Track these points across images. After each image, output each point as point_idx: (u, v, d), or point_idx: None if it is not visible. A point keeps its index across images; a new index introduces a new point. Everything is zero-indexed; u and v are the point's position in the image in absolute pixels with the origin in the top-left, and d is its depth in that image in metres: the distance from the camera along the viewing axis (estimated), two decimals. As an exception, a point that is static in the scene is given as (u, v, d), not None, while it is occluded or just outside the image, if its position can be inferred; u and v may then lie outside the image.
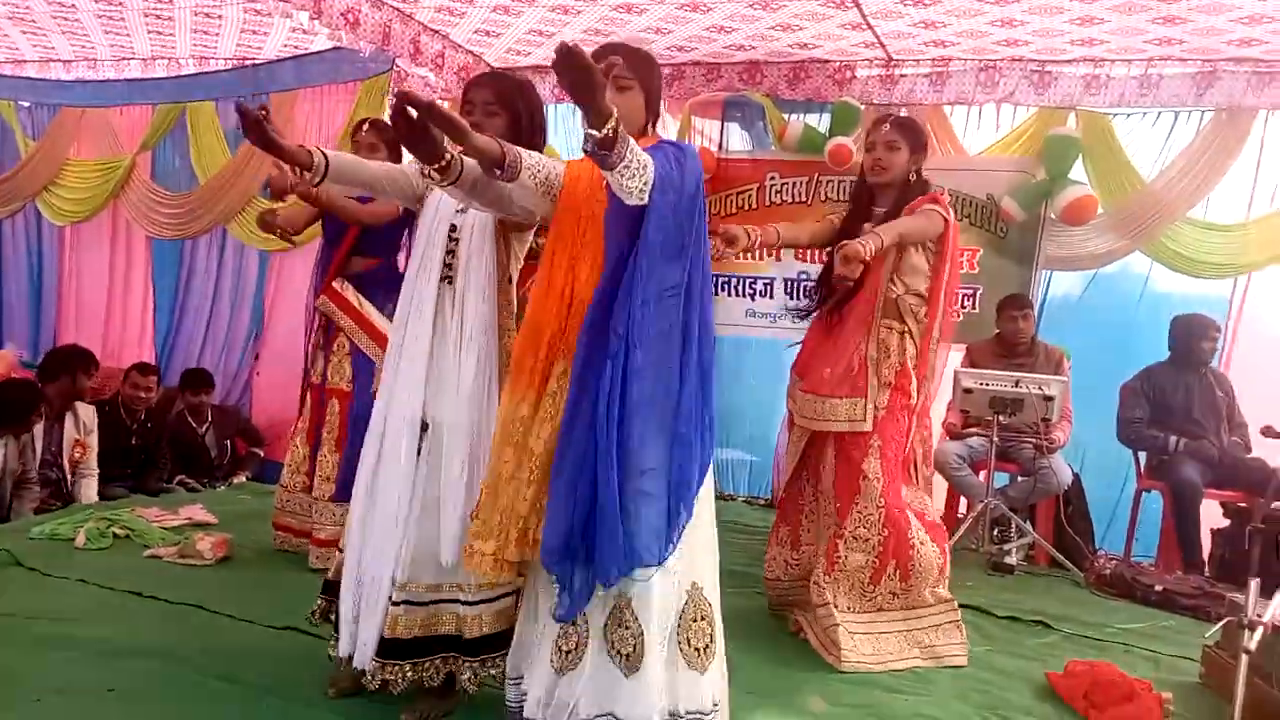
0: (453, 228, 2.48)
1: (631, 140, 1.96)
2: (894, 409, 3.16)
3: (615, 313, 2.09)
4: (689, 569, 2.20)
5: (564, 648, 2.16)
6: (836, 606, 3.04)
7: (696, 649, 2.19)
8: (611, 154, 1.90)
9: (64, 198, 7.18)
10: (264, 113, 2.31)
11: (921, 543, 3.09)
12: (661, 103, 2.39)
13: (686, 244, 2.14)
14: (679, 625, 2.18)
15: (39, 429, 4.69)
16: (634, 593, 2.11)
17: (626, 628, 2.11)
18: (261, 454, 6.01)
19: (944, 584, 3.14)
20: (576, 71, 1.81)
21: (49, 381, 4.88)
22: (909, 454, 3.22)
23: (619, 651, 2.12)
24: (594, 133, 1.87)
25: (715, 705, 2.22)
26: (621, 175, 1.95)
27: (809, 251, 5.63)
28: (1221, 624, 2.90)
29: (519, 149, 2.11)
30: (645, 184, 2.00)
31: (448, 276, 2.46)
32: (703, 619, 2.21)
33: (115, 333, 7.14)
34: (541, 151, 2.52)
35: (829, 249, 3.36)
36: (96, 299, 7.25)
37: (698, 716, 2.17)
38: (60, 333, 7.27)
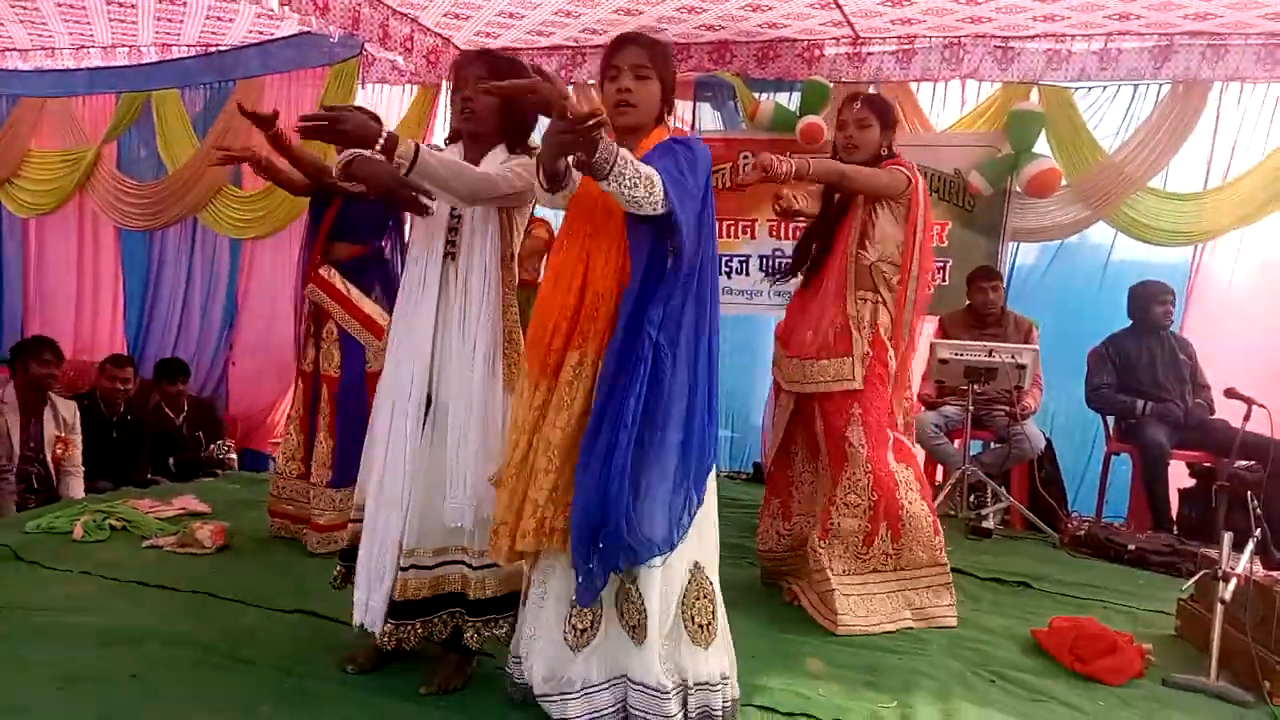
0: (454, 211, 2.52)
1: (623, 152, 2.01)
2: (870, 378, 3.24)
3: (649, 312, 2.14)
4: (692, 550, 2.29)
5: (579, 625, 2.25)
6: (832, 570, 3.14)
7: (700, 625, 2.29)
8: (596, 164, 1.97)
9: (28, 190, 7.05)
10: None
11: (910, 502, 3.19)
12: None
13: (702, 240, 2.22)
14: (683, 602, 2.27)
15: (13, 422, 4.65)
16: (639, 571, 2.20)
17: (632, 602, 2.21)
18: (230, 445, 5.97)
19: (941, 547, 3.24)
20: (531, 97, 1.96)
21: (11, 376, 4.85)
22: (892, 413, 3.28)
23: (628, 623, 2.23)
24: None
25: (724, 678, 2.33)
26: (620, 185, 2.00)
27: (784, 227, 5.74)
28: (1196, 578, 3.04)
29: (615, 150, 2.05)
30: (651, 195, 2.05)
31: (451, 254, 2.51)
32: (704, 596, 2.31)
33: (86, 326, 7.06)
34: (532, 131, 2.59)
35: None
36: (65, 292, 7.15)
37: (706, 687, 2.28)
38: (26, 327, 7.15)
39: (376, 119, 2.80)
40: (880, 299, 3.29)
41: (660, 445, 2.17)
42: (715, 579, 2.36)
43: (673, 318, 2.17)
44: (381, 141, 2.25)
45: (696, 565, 2.32)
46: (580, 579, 2.16)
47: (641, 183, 2.03)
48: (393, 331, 2.60)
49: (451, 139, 2.66)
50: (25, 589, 3.14)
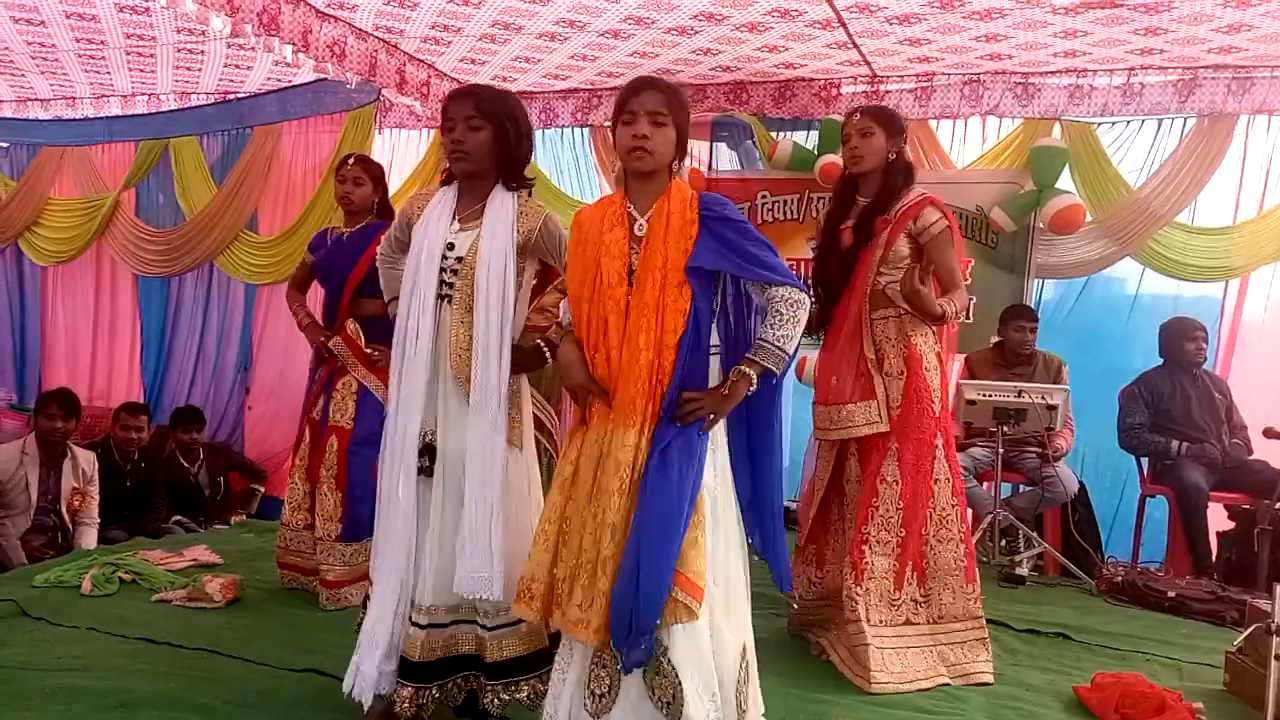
0: (450, 245, 2.44)
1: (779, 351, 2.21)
2: (910, 394, 3.11)
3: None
4: (738, 631, 2.22)
5: (597, 691, 2.16)
6: (868, 621, 3.02)
7: (744, 710, 2.21)
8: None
9: (47, 238, 7.10)
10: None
11: (939, 540, 3.08)
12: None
13: None
14: (736, 690, 2.18)
15: (32, 474, 4.61)
16: (669, 640, 2.11)
17: (664, 675, 2.11)
18: (261, 489, 5.93)
19: (976, 597, 3.12)
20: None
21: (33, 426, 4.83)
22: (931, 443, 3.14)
23: (660, 699, 2.12)
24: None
25: None
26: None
27: (805, 266, 5.66)
28: (1247, 632, 2.90)
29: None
30: (800, 317, 2.25)
31: (445, 295, 2.42)
32: (747, 681, 2.23)
33: (103, 372, 7.05)
34: (526, 165, 2.53)
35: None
36: (82, 339, 7.15)
37: None
38: (46, 375, 7.17)
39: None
40: (902, 311, 3.16)
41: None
42: (753, 653, 2.29)
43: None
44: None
45: (744, 648, 2.25)
46: (621, 643, 2.08)
47: (798, 325, 2.24)
48: (390, 380, 2.52)
49: (446, 181, 2.57)
50: (30, 647, 3.06)
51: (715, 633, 2.16)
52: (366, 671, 2.36)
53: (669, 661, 2.10)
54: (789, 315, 2.21)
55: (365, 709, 2.44)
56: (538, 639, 2.44)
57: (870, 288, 3.19)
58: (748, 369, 2.20)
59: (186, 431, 5.68)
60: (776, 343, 2.20)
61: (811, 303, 3.46)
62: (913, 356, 3.13)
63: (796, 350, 2.23)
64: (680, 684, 2.09)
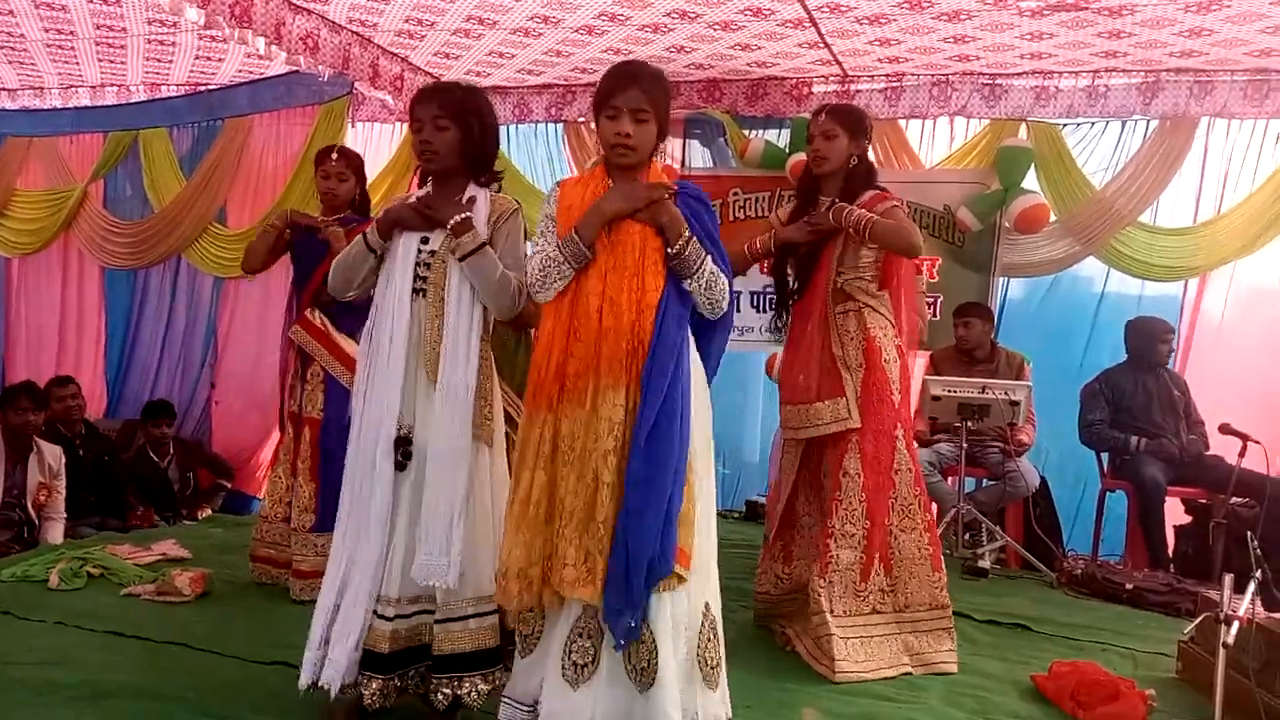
0: (424, 239, 2.47)
1: (703, 254, 2.26)
2: (869, 387, 3.16)
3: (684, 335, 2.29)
4: (701, 589, 2.26)
5: (579, 661, 2.20)
6: (832, 612, 3.06)
7: (712, 666, 2.26)
8: (685, 261, 2.24)
9: (13, 229, 7.01)
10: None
11: (902, 530, 3.14)
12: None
13: None
14: (698, 645, 2.23)
15: (-1, 468, 4.58)
16: (653, 607, 2.16)
17: (642, 642, 2.15)
18: (229, 485, 5.91)
19: (942, 585, 3.17)
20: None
21: None
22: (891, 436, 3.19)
23: (634, 665, 2.16)
24: (668, 249, 2.25)
25: (729, 718, 2.30)
26: (700, 284, 2.26)
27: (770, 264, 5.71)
28: (1197, 621, 2.98)
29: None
30: (724, 294, 2.29)
31: (420, 289, 2.45)
32: (715, 637, 2.28)
33: (69, 365, 6.95)
34: (494, 159, 2.58)
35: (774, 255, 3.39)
36: (48, 332, 7.07)
37: None
38: (9, 367, 7.09)
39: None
40: (861, 304, 3.22)
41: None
42: (719, 616, 2.33)
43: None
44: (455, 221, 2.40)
45: (707, 605, 2.29)
46: (619, 619, 2.11)
47: (717, 284, 2.27)
48: (358, 372, 2.53)
49: (420, 180, 2.62)
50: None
51: (688, 592, 2.21)
52: (338, 660, 2.37)
53: (648, 628, 2.15)
54: (718, 275, 2.30)
55: (331, 698, 2.45)
56: (487, 637, 2.45)
57: (830, 284, 3.24)
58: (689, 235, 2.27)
59: (157, 426, 5.65)
60: (701, 255, 2.27)
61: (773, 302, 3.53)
62: (871, 349, 3.18)
63: (700, 267, 2.26)
64: (656, 650, 2.13)
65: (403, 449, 2.42)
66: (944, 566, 3.22)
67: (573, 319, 2.26)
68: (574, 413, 2.22)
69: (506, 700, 2.34)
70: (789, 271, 3.39)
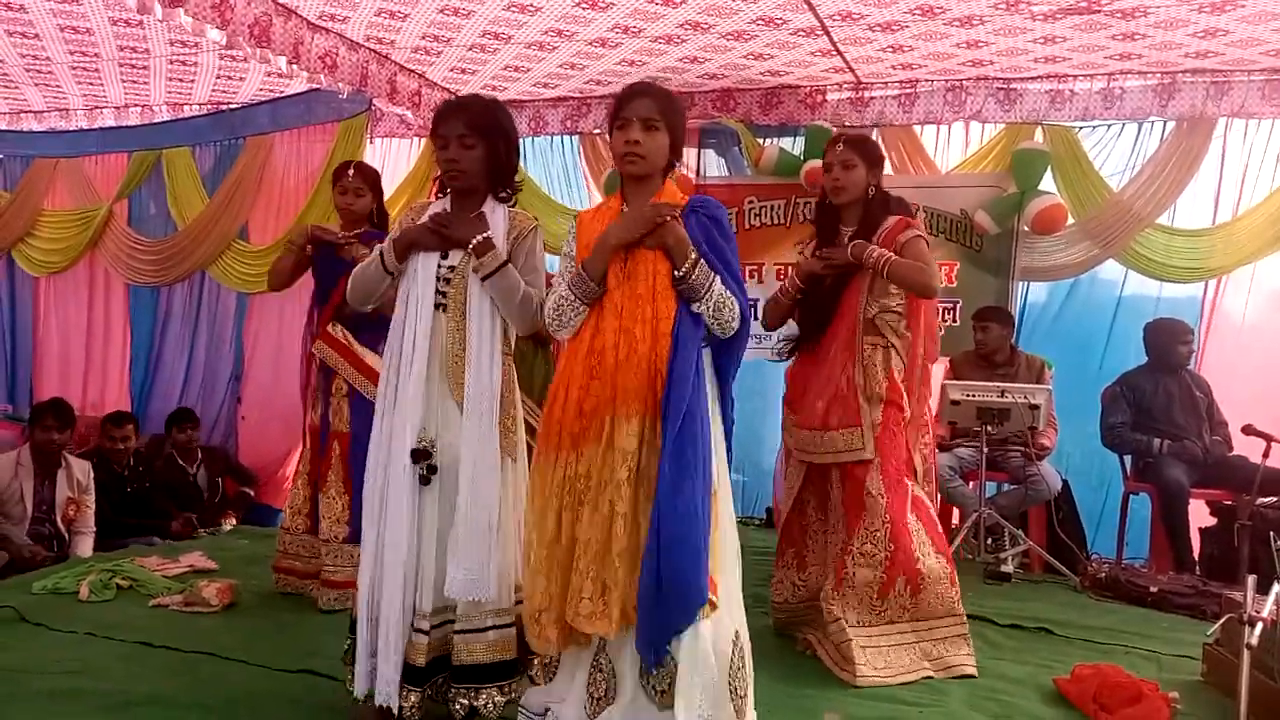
0: (443, 255, 2.50)
1: (712, 276, 2.25)
2: (888, 424, 3.20)
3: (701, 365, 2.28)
4: (729, 615, 2.27)
5: (594, 694, 2.23)
6: (846, 622, 3.08)
7: (740, 696, 2.26)
8: (692, 285, 2.23)
9: (40, 248, 7.15)
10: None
11: (926, 555, 3.14)
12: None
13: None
14: (730, 674, 2.23)
15: (27, 485, 4.66)
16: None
17: (663, 665, 2.17)
18: (252, 494, 5.97)
19: (957, 598, 3.18)
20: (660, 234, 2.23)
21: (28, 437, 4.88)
22: (910, 460, 3.24)
23: (655, 689, 2.18)
24: (675, 272, 2.24)
25: None
26: (706, 306, 2.24)
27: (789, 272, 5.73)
28: (1221, 622, 2.96)
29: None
30: (735, 316, 2.27)
31: (440, 304, 2.48)
32: (744, 665, 2.28)
33: (95, 382, 7.09)
34: (515, 172, 2.60)
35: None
36: (75, 349, 7.19)
37: None
38: (38, 384, 7.20)
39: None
40: (888, 343, 3.26)
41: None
42: (748, 644, 2.34)
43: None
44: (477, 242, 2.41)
45: (736, 634, 2.30)
46: (652, 647, 2.13)
47: (726, 307, 2.25)
48: (380, 387, 2.55)
49: (440, 192, 2.64)
50: (29, 652, 3.10)
51: (716, 619, 2.21)
52: (388, 675, 2.39)
53: (670, 653, 2.16)
54: (727, 298, 2.28)
55: (362, 707, 2.49)
56: (506, 648, 2.47)
57: (860, 315, 3.26)
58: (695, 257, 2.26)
59: (182, 430, 5.71)
60: (710, 278, 2.26)
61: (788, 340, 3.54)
62: (894, 388, 3.23)
63: (709, 290, 2.25)
64: (676, 674, 2.14)
65: (426, 464, 2.44)
66: (958, 581, 3.23)
67: (589, 355, 2.27)
68: (592, 449, 2.23)
69: (522, 710, 2.37)
70: (813, 300, 3.39)
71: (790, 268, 3.40)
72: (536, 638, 2.27)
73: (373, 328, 3.82)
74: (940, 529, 3.30)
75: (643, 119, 2.27)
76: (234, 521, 5.60)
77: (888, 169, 3.94)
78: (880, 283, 3.24)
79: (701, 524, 2.13)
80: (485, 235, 2.43)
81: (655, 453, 2.19)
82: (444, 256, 2.50)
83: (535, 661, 2.47)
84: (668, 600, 2.09)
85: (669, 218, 2.24)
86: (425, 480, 2.44)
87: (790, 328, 3.54)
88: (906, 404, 3.25)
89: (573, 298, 2.29)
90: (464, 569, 2.37)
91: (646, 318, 2.23)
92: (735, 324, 2.29)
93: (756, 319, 5.83)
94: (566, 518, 2.23)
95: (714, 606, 2.15)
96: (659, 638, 2.11)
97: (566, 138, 6.44)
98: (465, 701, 2.43)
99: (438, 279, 2.48)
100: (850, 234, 3.28)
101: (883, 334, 3.26)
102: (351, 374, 3.72)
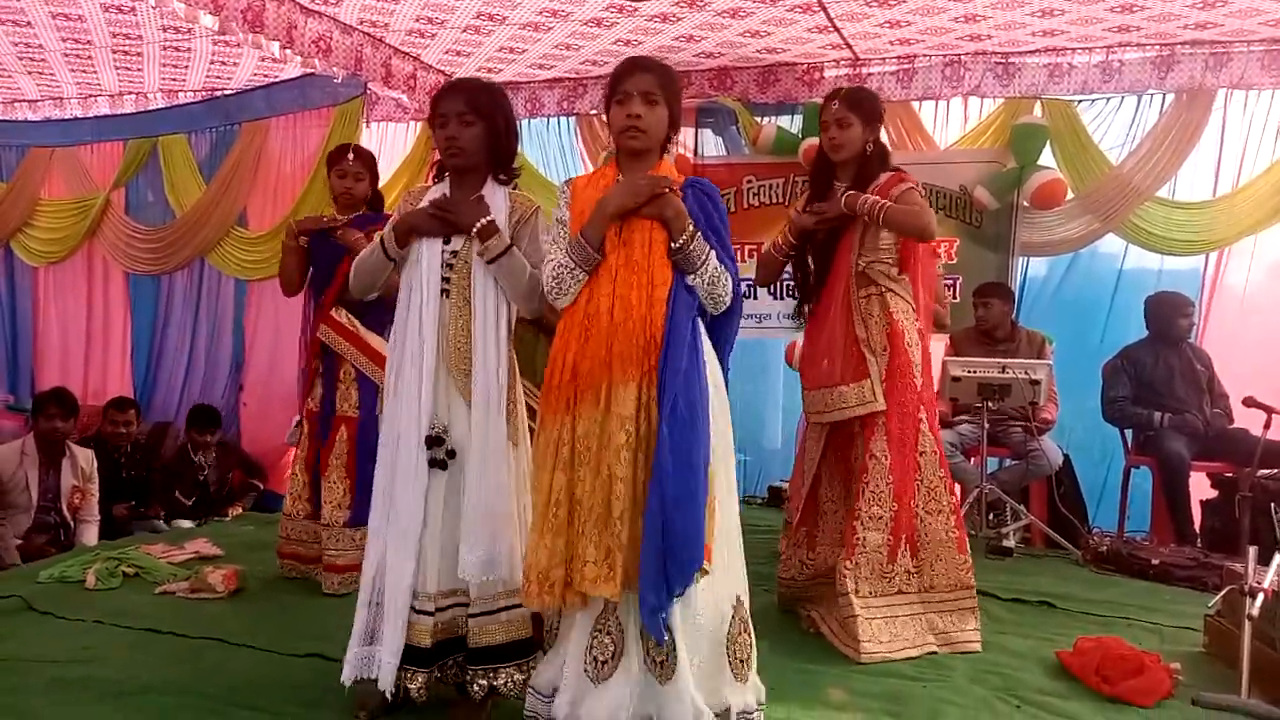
0: (445, 240, 2.49)
1: (708, 249, 2.26)
2: (893, 370, 3.18)
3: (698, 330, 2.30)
4: (732, 584, 2.28)
5: (600, 657, 2.22)
6: (857, 593, 3.08)
7: (741, 660, 2.28)
8: (688, 257, 2.24)
9: (39, 239, 7.13)
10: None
11: (929, 513, 3.15)
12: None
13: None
14: (728, 640, 2.25)
15: (32, 474, 4.67)
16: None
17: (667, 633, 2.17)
18: (261, 485, 5.98)
19: (968, 567, 3.18)
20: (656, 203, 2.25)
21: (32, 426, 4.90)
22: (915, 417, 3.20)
23: (653, 659, 2.19)
24: (672, 243, 2.25)
25: (760, 704, 2.33)
26: (701, 278, 2.25)
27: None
28: (1223, 593, 2.98)
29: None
30: (726, 293, 2.29)
31: (444, 290, 2.47)
32: (745, 631, 2.29)
33: (96, 371, 7.09)
34: (515, 157, 2.59)
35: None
36: (75, 338, 7.19)
37: (745, 717, 2.28)
38: (39, 374, 7.21)
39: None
40: (884, 288, 3.23)
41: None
42: (748, 610, 2.35)
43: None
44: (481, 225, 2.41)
45: (738, 599, 2.31)
46: (654, 612, 2.12)
47: (720, 281, 2.26)
48: (388, 371, 2.55)
49: (437, 176, 2.63)
50: (37, 640, 3.12)
51: (709, 585, 2.21)
52: (388, 662, 2.41)
53: (668, 621, 2.17)
54: (722, 272, 2.29)
55: (361, 690, 2.50)
56: (521, 628, 2.48)
57: (853, 269, 3.25)
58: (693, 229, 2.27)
59: (202, 433, 5.70)
60: (706, 251, 2.27)
61: (792, 290, 3.54)
62: (894, 332, 3.19)
63: (704, 263, 2.26)
64: (674, 643, 2.16)
65: (444, 450, 2.44)
66: (969, 549, 3.23)
67: (585, 319, 2.28)
68: (590, 412, 2.23)
69: (531, 690, 2.38)
70: (809, 259, 3.40)
71: (784, 230, 3.36)
72: (524, 594, 2.29)
73: (377, 311, 3.83)
74: (957, 493, 3.29)
75: (643, 93, 2.27)
76: (240, 511, 5.62)
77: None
78: (871, 236, 3.23)
79: (701, 487, 2.14)
80: (489, 219, 2.43)
81: (652, 418, 2.20)
82: (446, 242, 2.49)
83: (545, 635, 2.48)
84: (666, 563, 2.10)
85: (668, 189, 2.25)
86: (443, 465, 2.44)
87: (787, 307, 3.53)
88: (911, 346, 3.20)
89: (572, 264, 2.29)
90: (477, 551, 2.39)
91: (642, 284, 2.25)
92: (729, 299, 2.31)
93: (754, 298, 5.87)
94: (559, 480, 2.24)
95: (705, 573, 2.16)
96: (659, 604, 2.11)
97: (563, 119, 6.42)
98: (484, 682, 2.45)
99: (443, 264, 2.48)
100: (843, 189, 3.26)
101: (876, 282, 3.24)
102: (358, 358, 3.73)
